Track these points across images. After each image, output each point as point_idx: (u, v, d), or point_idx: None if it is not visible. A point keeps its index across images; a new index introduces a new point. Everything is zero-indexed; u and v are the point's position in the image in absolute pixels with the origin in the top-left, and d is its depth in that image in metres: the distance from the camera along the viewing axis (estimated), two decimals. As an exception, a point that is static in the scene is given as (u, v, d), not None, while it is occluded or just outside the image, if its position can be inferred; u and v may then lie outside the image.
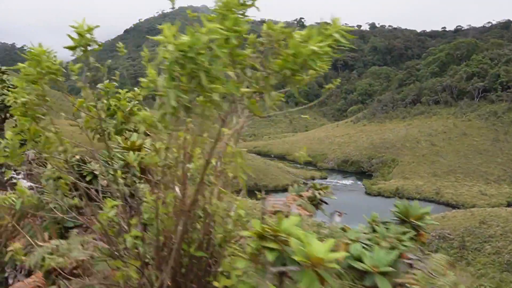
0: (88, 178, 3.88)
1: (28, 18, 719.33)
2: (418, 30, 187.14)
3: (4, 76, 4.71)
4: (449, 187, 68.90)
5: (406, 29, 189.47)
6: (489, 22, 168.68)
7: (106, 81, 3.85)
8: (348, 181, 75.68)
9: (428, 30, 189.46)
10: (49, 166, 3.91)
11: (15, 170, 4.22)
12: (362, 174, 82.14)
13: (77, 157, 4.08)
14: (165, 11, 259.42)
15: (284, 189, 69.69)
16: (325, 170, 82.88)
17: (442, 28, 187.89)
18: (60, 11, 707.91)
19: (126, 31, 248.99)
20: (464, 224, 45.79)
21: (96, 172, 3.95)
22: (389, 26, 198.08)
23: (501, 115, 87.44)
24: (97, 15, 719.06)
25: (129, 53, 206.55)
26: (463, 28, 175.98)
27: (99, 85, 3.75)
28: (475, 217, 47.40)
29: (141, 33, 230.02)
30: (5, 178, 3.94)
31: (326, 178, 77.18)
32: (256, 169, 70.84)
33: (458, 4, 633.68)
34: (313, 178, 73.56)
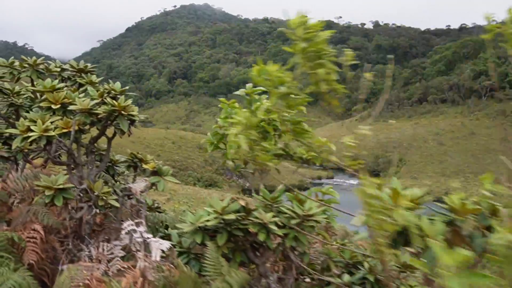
0: (260, 236, 2.72)
1: (30, 16, 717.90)
2: (422, 29, 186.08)
3: (93, 77, 3.59)
4: (459, 187, 68.01)
5: (410, 27, 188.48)
6: (493, 20, 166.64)
7: (250, 85, 3.03)
8: (355, 181, 74.76)
9: (432, 28, 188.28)
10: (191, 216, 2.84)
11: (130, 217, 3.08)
12: (368, 173, 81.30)
13: (235, 198, 3.04)
14: (167, 9, 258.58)
15: (291, 189, 68.96)
16: (331, 170, 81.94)
17: (447, 26, 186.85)
18: (61, 10, 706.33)
19: (128, 30, 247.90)
20: (477, 225, 44.96)
21: (274, 228, 2.72)
22: (393, 24, 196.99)
23: (510, 114, 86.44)
24: (99, 14, 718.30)
25: (131, 51, 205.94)
26: (468, 26, 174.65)
27: (239, 92, 2.90)
28: (488, 218, 46.47)
29: (143, 32, 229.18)
30: (124, 232, 2.76)
31: (332, 178, 76.59)
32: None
33: (461, 2, 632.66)
34: (319, 178, 72.96)
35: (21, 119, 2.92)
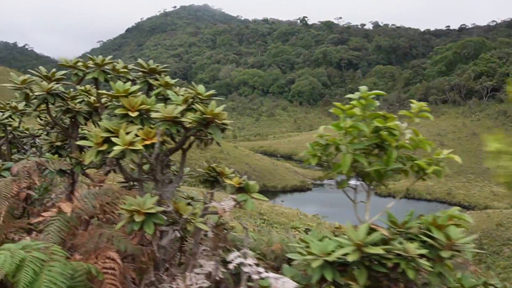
0: (410, 273, 2.27)
1: (30, 17, 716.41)
2: (422, 29, 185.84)
3: (167, 78, 3.18)
4: (461, 188, 67.96)
5: (409, 28, 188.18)
6: (493, 21, 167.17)
7: (364, 88, 2.81)
8: (356, 182, 74.46)
9: (432, 29, 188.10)
10: (315, 246, 2.43)
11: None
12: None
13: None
14: (167, 10, 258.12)
15: (293, 190, 68.71)
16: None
17: (446, 26, 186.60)
18: (61, 10, 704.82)
19: (128, 30, 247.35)
20: (481, 226, 44.92)
21: (423, 262, 2.29)
22: (393, 25, 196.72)
23: (511, 114, 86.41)
24: (98, 15, 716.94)
25: (131, 52, 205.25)
26: (467, 27, 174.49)
27: (354, 95, 2.68)
28: (492, 219, 46.70)
29: (143, 32, 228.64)
30: (232, 265, 2.38)
31: (333, 179, 76.35)
32: (264, 169, 69.92)
33: (461, 2, 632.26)
34: (320, 179, 72.85)
35: (94, 128, 2.63)
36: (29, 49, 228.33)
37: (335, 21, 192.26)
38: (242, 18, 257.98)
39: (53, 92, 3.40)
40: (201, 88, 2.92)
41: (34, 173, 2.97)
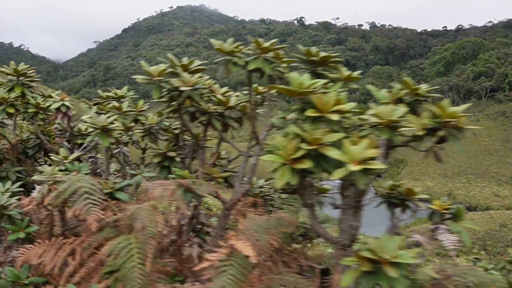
0: None
1: (26, 17, 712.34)
2: (419, 30, 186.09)
3: (343, 70, 2.63)
4: (461, 189, 67.85)
5: (407, 28, 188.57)
6: (490, 21, 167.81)
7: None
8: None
9: (429, 29, 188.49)
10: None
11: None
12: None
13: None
14: (163, 11, 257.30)
15: (293, 191, 68.50)
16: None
17: (443, 27, 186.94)
18: (58, 10, 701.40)
19: (124, 31, 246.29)
20: (484, 227, 44.81)
21: None
22: (390, 25, 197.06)
23: (510, 115, 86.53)
24: (95, 15, 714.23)
25: (127, 52, 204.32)
26: (464, 27, 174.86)
27: None
28: (495, 220, 46.68)
29: (140, 33, 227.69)
30: None
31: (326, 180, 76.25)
32: (263, 170, 69.64)
33: (457, 3, 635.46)
34: (321, 179, 72.63)
35: (277, 137, 1.92)
36: (24, 49, 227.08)
37: (332, 22, 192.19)
38: (239, 19, 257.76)
39: (197, 88, 2.59)
40: (410, 81, 2.23)
41: (180, 198, 2.27)
